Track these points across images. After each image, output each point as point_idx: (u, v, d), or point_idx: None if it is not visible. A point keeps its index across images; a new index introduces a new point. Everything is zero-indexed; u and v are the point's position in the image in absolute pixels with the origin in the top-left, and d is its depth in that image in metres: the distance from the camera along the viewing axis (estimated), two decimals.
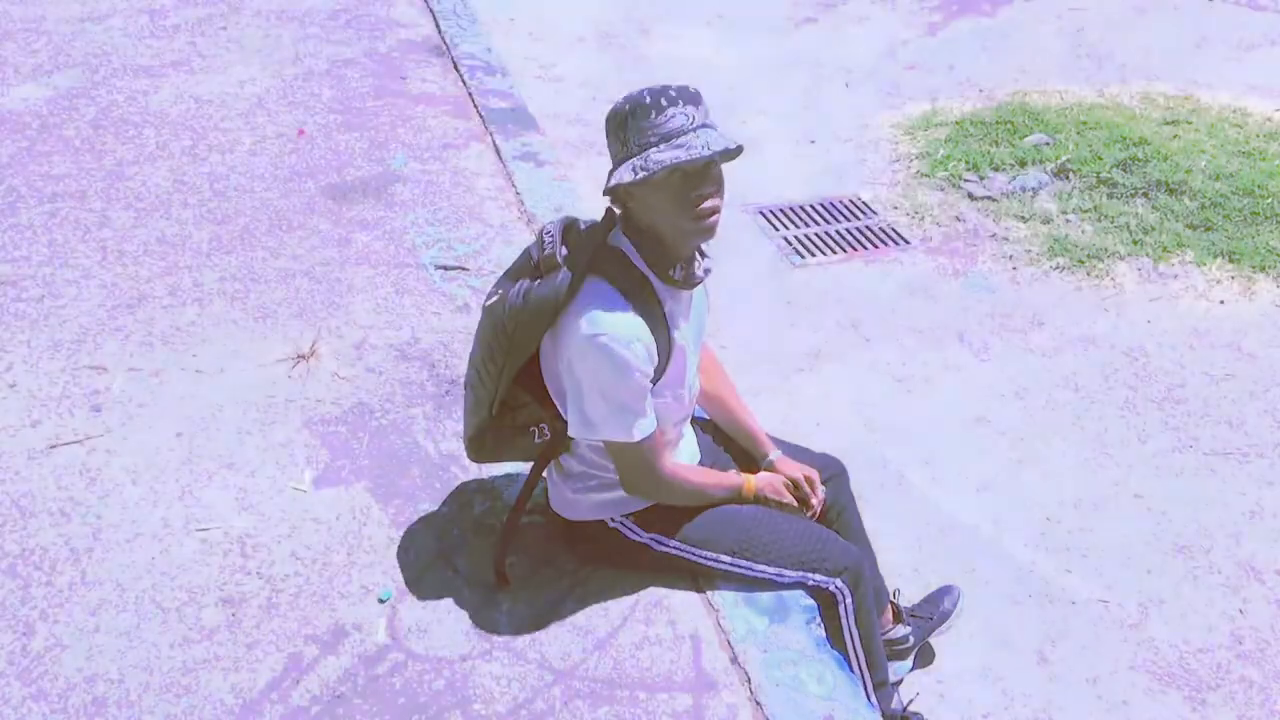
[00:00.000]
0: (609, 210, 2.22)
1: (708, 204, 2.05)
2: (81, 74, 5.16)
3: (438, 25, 6.09)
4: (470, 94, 5.17)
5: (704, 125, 2.02)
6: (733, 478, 2.44)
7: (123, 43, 5.55)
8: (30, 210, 3.98)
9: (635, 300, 2.10)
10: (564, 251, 2.15)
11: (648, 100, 2.00)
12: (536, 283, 2.13)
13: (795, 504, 2.47)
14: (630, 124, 2.01)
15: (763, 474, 2.50)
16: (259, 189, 4.21)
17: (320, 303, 3.53)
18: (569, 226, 2.21)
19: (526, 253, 2.25)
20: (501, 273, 2.32)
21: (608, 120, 2.08)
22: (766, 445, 2.59)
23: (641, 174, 1.98)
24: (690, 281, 2.19)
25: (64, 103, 4.86)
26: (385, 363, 3.26)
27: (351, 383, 3.17)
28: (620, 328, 2.06)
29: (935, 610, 2.91)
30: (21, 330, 3.32)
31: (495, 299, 2.23)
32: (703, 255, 2.24)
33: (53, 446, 2.89)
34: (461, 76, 5.38)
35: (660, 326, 2.14)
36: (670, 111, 1.99)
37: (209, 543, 2.60)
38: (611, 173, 2.07)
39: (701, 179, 2.03)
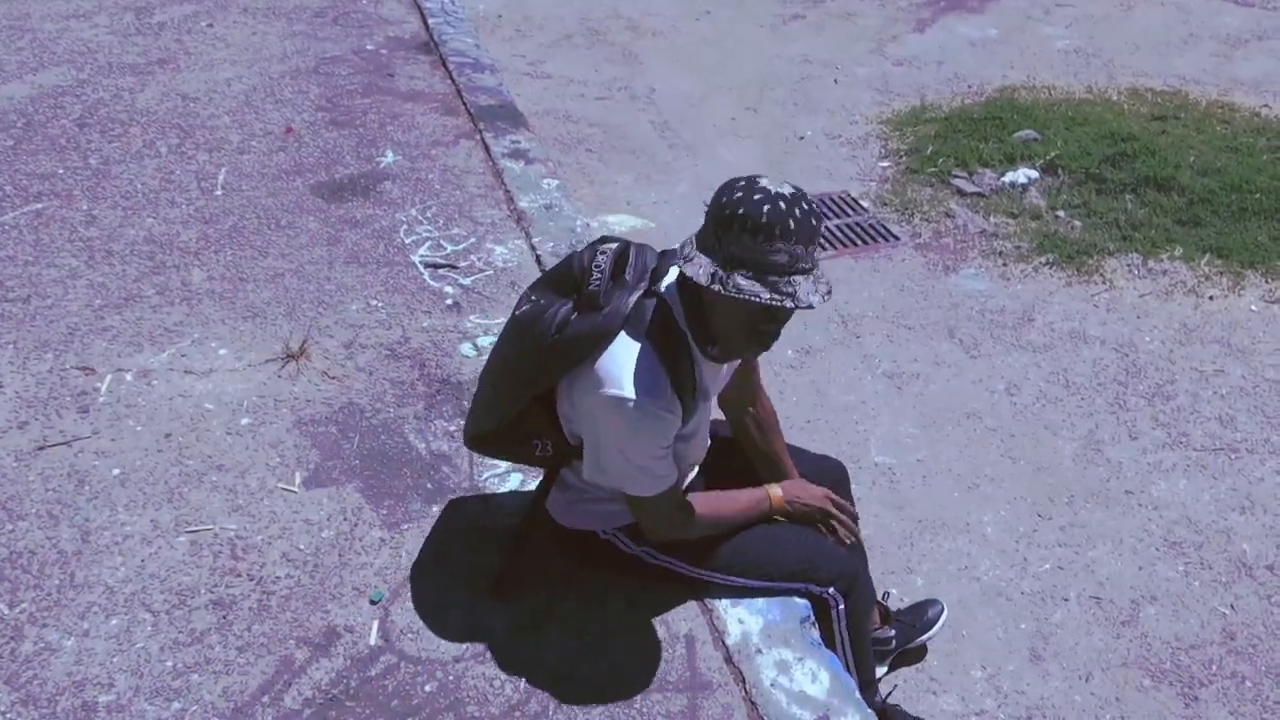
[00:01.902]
0: (664, 254, 2.15)
1: (772, 339, 2.02)
2: (67, 72, 5.12)
3: (425, 22, 6.06)
4: (459, 91, 5.15)
5: (801, 270, 1.91)
6: (755, 494, 2.37)
7: (108, 40, 5.51)
8: (15, 209, 3.95)
9: (670, 365, 2.02)
10: (610, 288, 2.07)
11: (764, 221, 1.86)
12: (575, 317, 2.06)
13: (823, 512, 2.41)
14: (733, 230, 1.88)
15: (784, 482, 2.44)
16: (247, 187, 4.18)
17: (309, 302, 3.51)
18: (621, 258, 2.11)
19: (568, 262, 2.15)
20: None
21: (716, 200, 1.93)
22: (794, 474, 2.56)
23: (716, 286, 1.90)
24: (725, 359, 2.14)
25: (49, 101, 4.82)
26: (375, 362, 3.24)
27: (341, 382, 3.15)
28: (651, 397, 1.99)
29: (919, 619, 2.91)
30: (8, 331, 3.29)
31: (528, 309, 2.15)
32: None
33: (40, 448, 2.86)
34: (450, 74, 5.36)
35: (689, 391, 2.07)
36: (779, 246, 1.87)
37: (199, 544, 2.58)
38: (695, 246, 1.96)
39: (776, 319, 1.97)
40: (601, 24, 7.15)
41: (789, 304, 1.88)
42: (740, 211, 1.87)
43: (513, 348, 2.20)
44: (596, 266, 2.08)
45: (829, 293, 1.94)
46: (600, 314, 2.03)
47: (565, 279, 2.14)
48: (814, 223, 1.91)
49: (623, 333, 2.02)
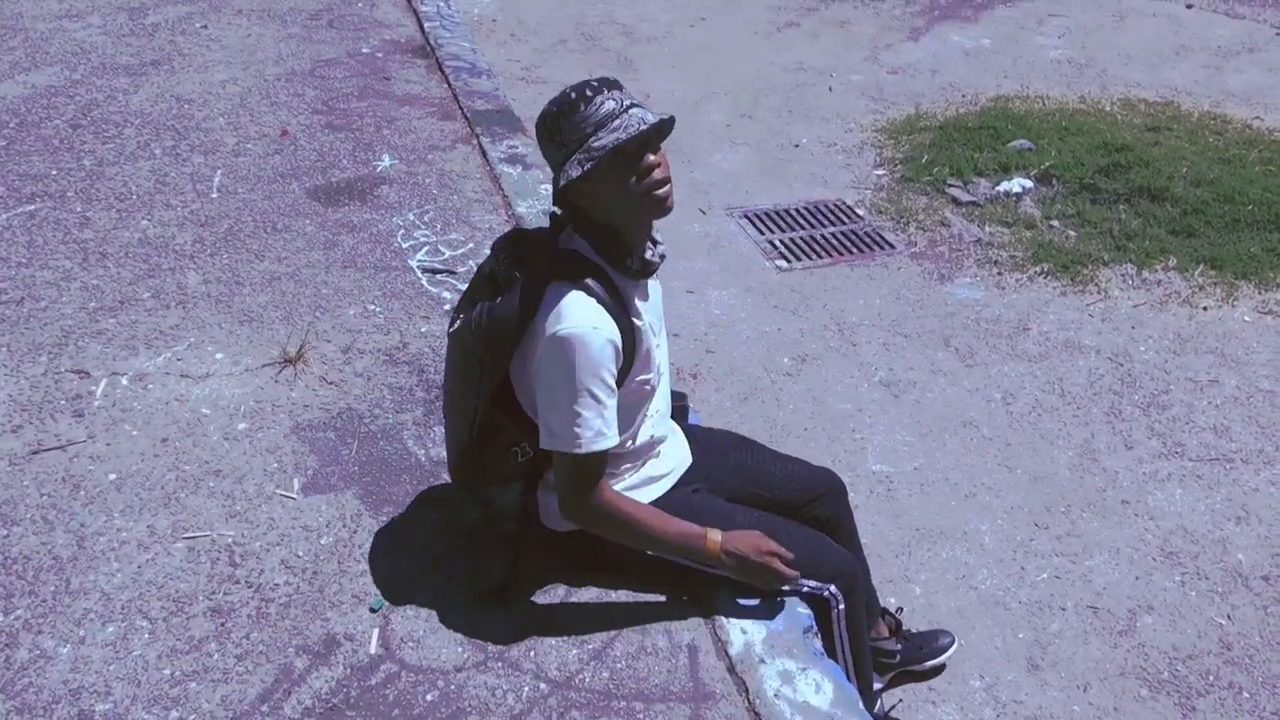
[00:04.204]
0: (553, 216, 2.22)
1: (657, 174, 2.05)
2: (60, 72, 5.09)
3: (421, 26, 6.05)
4: (456, 95, 5.14)
5: (633, 105, 2.03)
6: (692, 527, 2.27)
7: (101, 41, 5.48)
8: (8, 210, 3.92)
9: (597, 294, 2.10)
10: (518, 265, 2.15)
11: (573, 96, 2.01)
12: (497, 301, 2.13)
13: (776, 569, 2.28)
14: (563, 124, 2.01)
15: (738, 532, 2.31)
16: (243, 190, 4.16)
17: (307, 306, 3.49)
18: (519, 239, 2.20)
19: (480, 272, 2.25)
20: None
21: (538, 129, 2.07)
22: None
23: (588, 165, 1.99)
24: (648, 269, 2.20)
25: (42, 101, 4.79)
26: (374, 367, 3.23)
27: (339, 388, 3.13)
28: (585, 320, 2.04)
29: (929, 644, 2.91)
30: (1, 334, 3.27)
31: (459, 325, 2.22)
32: (655, 243, 2.24)
33: (35, 452, 2.84)
34: (446, 78, 5.35)
35: (623, 316, 2.13)
36: (598, 100, 2.00)
37: (196, 551, 2.56)
38: (556, 178, 2.07)
39: (643, 153, 2.03)
40: (596, 29, 7.15)
41: (641, 128, 1.97)
42: (553, 109, 2.03)
43: (455, 361, 2.28)
44: (499, 249, 2.20)
45: (673, 118, 2.07)
46: (518, 284, 2.11)
47: (479, 286, 2.24)
48: (610, 78, 2.07)
49: (549, 287, 2.10)
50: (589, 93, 2.00)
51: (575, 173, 2.00)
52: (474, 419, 2.27)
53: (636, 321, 2.18)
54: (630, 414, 2.25)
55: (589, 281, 2.10)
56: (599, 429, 2.10)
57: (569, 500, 2.22)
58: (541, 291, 2.09)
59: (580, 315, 2.05)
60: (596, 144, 1.98)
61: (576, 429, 2.09)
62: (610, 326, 2.07)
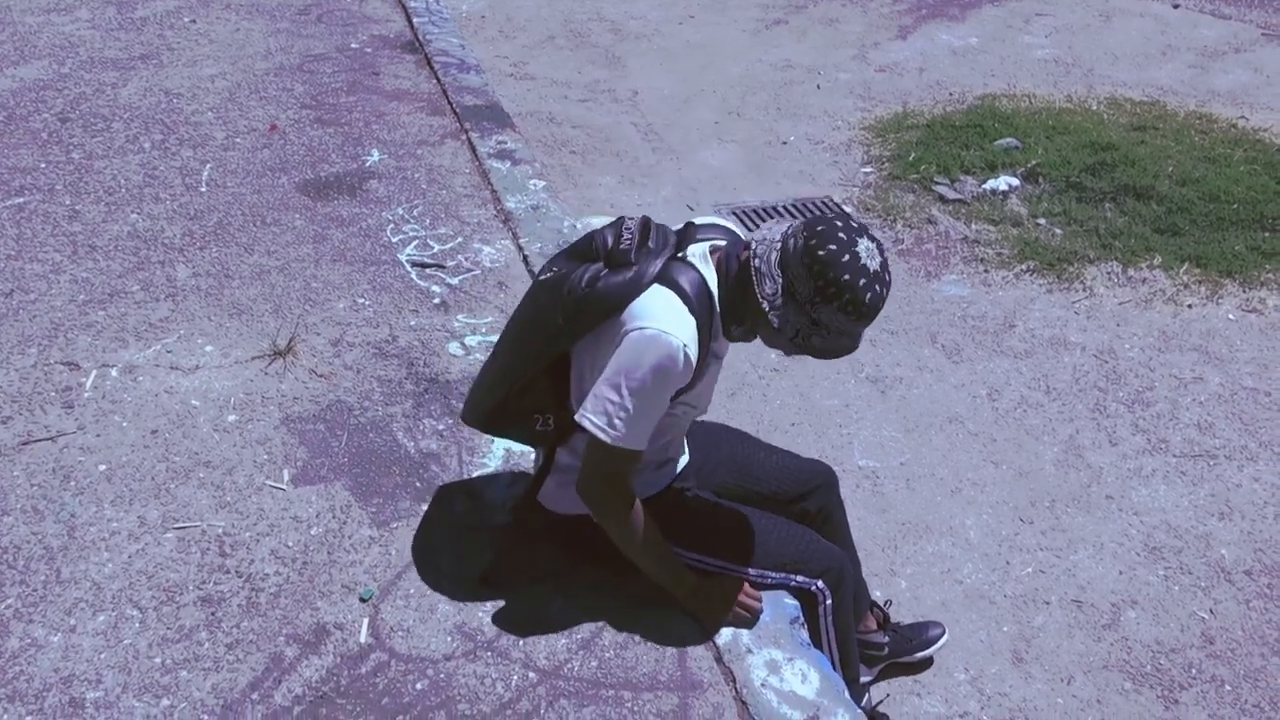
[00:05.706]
0: (689, 224, 2.25)
1: None
2: (48, 66, 5.08)
3: (410, 21, 6.05)
4: (445, 91, 5.15)
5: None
6: (679, 566, 2.36)
7: (90, 35, 5.47)
8: None
9: (699, 316, 2.11)
10: (637, 251, 2.16)
11: (866, 308, 2.01)
12: (605, 272, 2.14)
13: (744, 617, 2.40)
14: (832, 305, 2.01)
15: (711, 582, 2.41)
16: (232, 184, 4.16)
17: (296, 299, 3.49)
18: (646, 227, 2.21)
19: (590, 238, 2.22)
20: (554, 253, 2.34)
21: (823, 255, 2.00)
22: None
23: (794, 349, 2.11)
24: (743, 339, 2.23)
25: (30, 94, 4.78)
26: (363, 360, 3.24)
27: (329, 380, 3.14)
28: (679, 332, 2.05)
29: (918, 636, 2.92)
30: None
31: (551, 276, 2.22)
32: None
33: (24, 443, 2.84)
34: (435, 73, 5.35)
35: (706, 347, 2.15)
36: (865, 326, 2.07)
37: (187, 541, 2.57)
38: (781, 284, 2.05)
39: None
40: (584, 26, 7.16)
41: (843, 355, 2.12)
42: (846, 296, 2.00)
43: (535, 311, 2.26)
44: (627, 229, 2.19)
45: None
46: (632, 269, 2.12)
47: (586, 251, 2.22)
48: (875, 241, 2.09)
49: (655, 285, 2.11)
50: (873, 316, 2.04)
51: (784, 345, 2.11)
52: (520, 374, 2.27)
53: (712, 359, 2.22)
54: (664, 431, 2.28)
55: (696, 305, 2.11)
56: (634, 431, 2.11)
57: (587, 478, 2.23)
58: (649, 286, 2.10)
59: (676, 325, 2.06)
60: (820, 344, 2.08)
61: (617, 419, 2.10)
62: (696, 350, 2.09)
